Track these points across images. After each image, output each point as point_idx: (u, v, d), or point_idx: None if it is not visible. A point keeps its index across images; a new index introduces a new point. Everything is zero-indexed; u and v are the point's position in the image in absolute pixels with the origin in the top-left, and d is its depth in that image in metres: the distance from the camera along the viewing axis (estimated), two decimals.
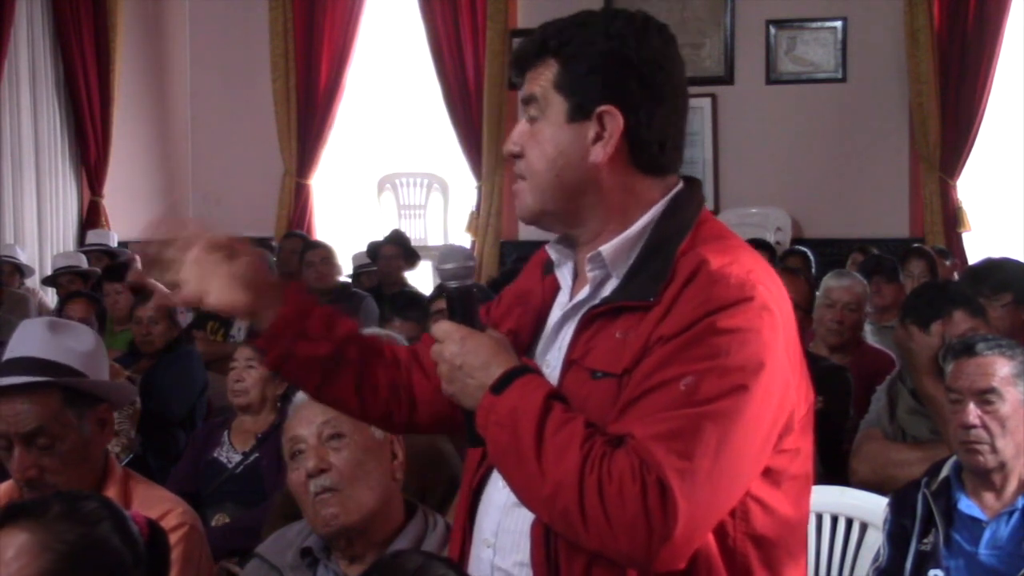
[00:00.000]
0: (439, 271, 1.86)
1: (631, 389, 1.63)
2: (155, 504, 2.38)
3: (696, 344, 1.61)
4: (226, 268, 1.86)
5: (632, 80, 1.73)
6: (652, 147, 1.76)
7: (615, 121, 1.73)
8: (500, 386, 1.67)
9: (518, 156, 1.80)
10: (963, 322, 3.50)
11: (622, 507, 1.55)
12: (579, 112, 1.74)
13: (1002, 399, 2.79)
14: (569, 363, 1.75)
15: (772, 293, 1.67)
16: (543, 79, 1.76)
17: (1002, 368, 2.80)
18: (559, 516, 1.60)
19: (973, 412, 2.78)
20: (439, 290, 4.71)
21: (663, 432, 1.57)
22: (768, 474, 1.69)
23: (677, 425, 1.57)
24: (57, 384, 2.37)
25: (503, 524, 1.80)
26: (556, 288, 1.87)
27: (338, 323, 1.93)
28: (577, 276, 1.84)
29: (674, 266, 1.68)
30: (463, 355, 1.72)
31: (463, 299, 1.80)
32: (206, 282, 1.86)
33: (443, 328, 1.76)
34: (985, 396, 2.79)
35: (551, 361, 1.81)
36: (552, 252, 1.86)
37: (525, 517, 1.74)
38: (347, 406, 1.99)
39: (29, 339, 2.45)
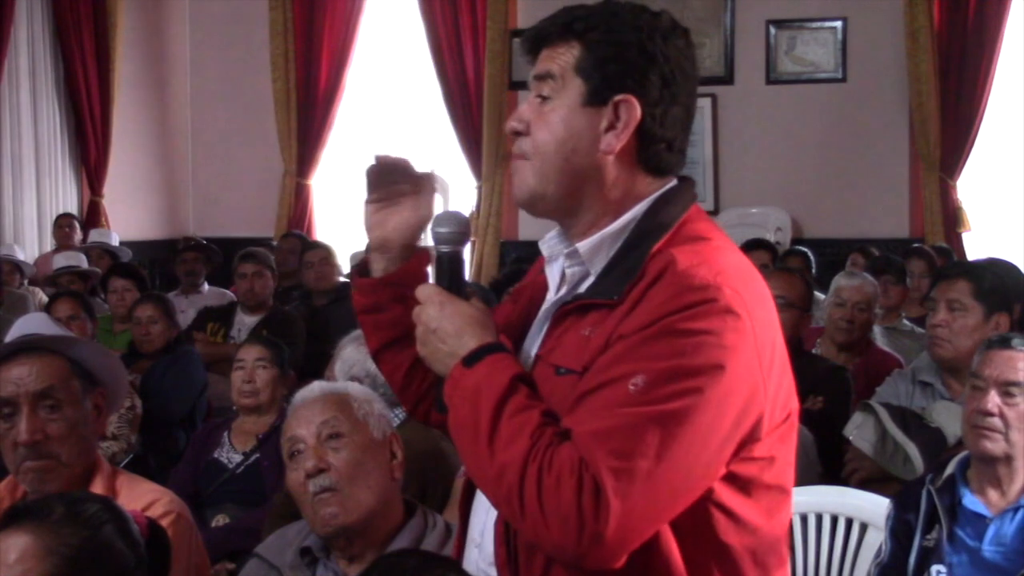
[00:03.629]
0: (433, 233, 1.85)
1: (584, 384, 1.62)
2: (141, 495, 2.40)
3: (652, 343, 1.57)
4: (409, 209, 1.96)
5: (654, 75, 1.71)
6: (661, 145, 1.73)
7: (632, 111, 1.70)
8: (471, 359, 1.66)
9: (522, 134, 1.76)
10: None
11: (557, 499, 1.53)
12: (596, 97, 1.71)
13: None
14: (536, 358, 1.75)
15: (742, 297, 1.61)
16: (562, 59, 1.73)
17: None
18: (503, 499, 1.59)
19: (993, 400, 2.79)
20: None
21: (604, 429, 1.55)
22: (736, 482, 1.65)
23: (619, 423, 1.54)
24: (65, 353, 2.44)
25: (487, 525, 1.80)
26: (547, 286, 1.85)
27: None
28: (564, 273, 1.82)
29: (645, 265, 1.65)
30: (439, 319, 1.72)
31: (451, 265, 1.80)
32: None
33: (426, 291, 1.77)
34: (1008, 388, 2.80)
35: (527, 356, 1.79)
36: (544, 248, 1.84)
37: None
38: (393, 378, 2.02)
39: (33, 324, 2.56)
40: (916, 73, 8.64)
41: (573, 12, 1.76)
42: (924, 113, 8.64)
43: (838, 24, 8.93)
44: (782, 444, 1.70)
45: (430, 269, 1.89)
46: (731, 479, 1.65)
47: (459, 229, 1.82)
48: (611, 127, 1.71)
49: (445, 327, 1.71)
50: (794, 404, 1.73)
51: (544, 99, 1.74)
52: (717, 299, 1.59)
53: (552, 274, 1.83)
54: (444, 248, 1.82)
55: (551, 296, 1.82)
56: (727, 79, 9.08)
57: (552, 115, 1.73)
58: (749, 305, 1.62)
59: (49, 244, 9.09)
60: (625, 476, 1.52)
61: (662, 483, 1.54)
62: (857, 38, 8.90)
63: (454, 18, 9.50)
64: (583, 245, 1.74)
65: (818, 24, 8.99)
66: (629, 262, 1.68)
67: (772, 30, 9.04)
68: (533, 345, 1.79)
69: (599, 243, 1.73)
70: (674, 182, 1.78)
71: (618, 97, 1.70)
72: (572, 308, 1.72)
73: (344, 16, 9.89)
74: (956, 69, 8.66)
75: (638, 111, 1.70)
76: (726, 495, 1.65)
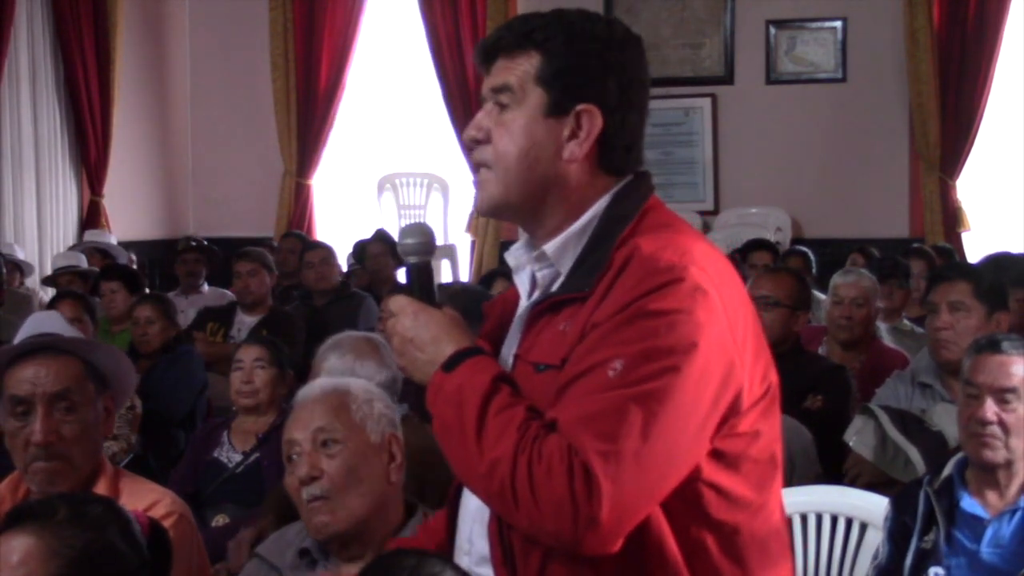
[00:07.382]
0: (400, 246, 1.87)
1: (564, 375, 1.64)
2: (143, 496, 2.41)
3: (626, 327, 1.61)
4: None
5: (612, 84, 1.75)
6: (620, 149, 1.77)
7: (594, 120, 1.74)
8: (451, 364, 1.70)
9: (480, 142, 1.78)
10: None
11: (549, 488, 1.55)
12: (558, 107, 1.74)
13: (1020, 399, 2.78)
14: (515, 359, 1.77)
15: (708, 275, 1.65)
16: (521, 69, 1.76)
17: None
18: (495, 495, 1.62)
19: (991, 409, 2.78)
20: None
21: (589, 414, 1.58)
22: (722, 458, 1.68)
23: (602, 407, 1.58)
24: (80, 356, 2.45)
25: (474, 530, 1.82)
26: (518, 297, 1.87)
27: None
28: (535, 278, 1.84)
29: (611, 256, 1.69)
30: (415, 328, 1.75)
31: (421, 274, 1.83)
32: None
33: (398, 302, 1.80)
34: (1004, 395, 2.79)
35: (505, 363, 1.81)
36: (511, 259, 1.87)
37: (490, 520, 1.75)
38: None
39: (47, 323, 2.57)
40: (916, 73, 8.64)
41: (530, 21, 1.78)
42: (924, 113, 8.65)
43: (838, 24, 8.94)
44: (765, 418, 1.73)
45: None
46: (718, 456, 1.68)
47: (426, 240, 1.85)
48: (573, 136, 1.75)
49: (422, 335, 1.75)
50: (773, 378, 1.77)
51: (503, 107, 1.76)
52: (684, 278, 1.63)
53: (521, 282, 1.86)
54: (413, 259, 1.84)
55: (523, 303, 1.84)
56: (727, 79, 9.08)
57: (513, 124, 1.76)
58: (716, 282, 1.66)
59: (49, 244, 9.10)
60: (613, 458, 1.55)
61: (650, 461, 1.57)
62: (857, 38, 8.90)
63: (454, 18, 9.50)
64: (550, 246, 1.77)
65: (818, 24, 8.99)
66: (596, 255, 1.71)
67: (772, 30, 9.05)
68: (510, 350, 1.81)
69: (565, 243, 1.76)
70: (630, 176, 1.81)
71: (580, 107, 1.74)
72: (546, 307, 1.74)
73: (344, 16, 9.89)
74: (956, 69, 8.66)
75: (600, 120, 1.74)
76: (715, 472, 1.68)
